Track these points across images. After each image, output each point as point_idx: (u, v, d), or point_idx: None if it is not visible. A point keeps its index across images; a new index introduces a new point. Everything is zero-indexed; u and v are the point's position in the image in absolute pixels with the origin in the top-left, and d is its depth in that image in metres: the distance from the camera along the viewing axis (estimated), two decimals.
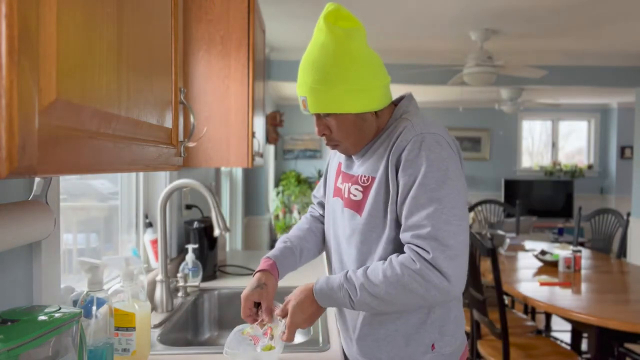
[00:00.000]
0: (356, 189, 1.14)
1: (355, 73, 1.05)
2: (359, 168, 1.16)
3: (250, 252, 2.85)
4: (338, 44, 1.04)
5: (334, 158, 1.31)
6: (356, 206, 1.13)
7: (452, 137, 1.10)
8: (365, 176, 1.13)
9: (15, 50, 0.41)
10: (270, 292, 1.18)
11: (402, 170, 1.04)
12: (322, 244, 1.37)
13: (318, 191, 1.41)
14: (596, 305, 2.32)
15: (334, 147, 1.15)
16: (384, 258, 1.09)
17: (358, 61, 1.05)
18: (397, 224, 1.08)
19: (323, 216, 1.38)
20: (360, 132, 1.12)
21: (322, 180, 1.39)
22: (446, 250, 0.99)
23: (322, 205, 1.40)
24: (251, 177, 4.87)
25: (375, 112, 1.12)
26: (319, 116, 1.11)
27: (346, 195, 1.17)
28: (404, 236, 1.05)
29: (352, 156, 1.20)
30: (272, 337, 1.13)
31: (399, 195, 1.05)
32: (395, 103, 1.18)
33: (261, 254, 2.84)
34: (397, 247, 1.08)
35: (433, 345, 1.12)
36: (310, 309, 1.10)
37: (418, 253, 1.00)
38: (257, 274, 1.21)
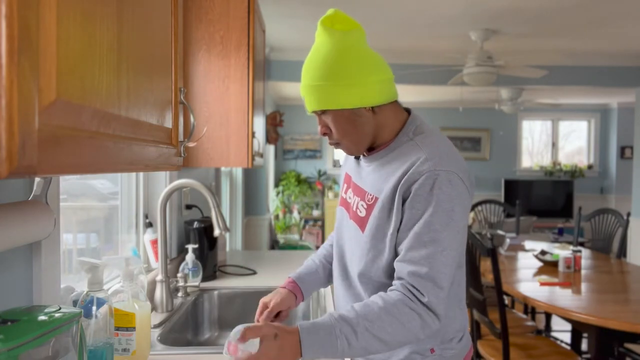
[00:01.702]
0: (362, 206, 1.14)
1: (346, 68, 1.04)
2: (366, 180, 1.16)
3: (250, 252, 2.85)
4: (332, 44, 1.05)
5: (343, 168, 1.33)
6: (360, 222, 1.14)
7: (465, 170, 1.07)
8: (370, 194, 1.13)
9: (15, 50, 0.41)
10: (280, 303, 1.24)
11: (409, 203, 1.03)
12: None
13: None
14: (596, 305, 2.32)
15: (336, 146, 1.15)
16: (381, 279, 1.10)
17: (349, 57, 1.05)
18: (396, 251, 1.08)
19: None
20: (357, 129, 1.10)
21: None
22: (440, 293, 1.01)
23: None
24: (251, 177, 4.87)
25: (373, 109, 1.09)
26: (318, 115, 1.12)
27: (354, 209, 1.18)
28: (400, 268, 1.04)
29: (361, 162, 1.20)
30: None
31: (402, 225, 1.05)
32: (408, 111, 1.18)
33: (261, 254, 2.85)
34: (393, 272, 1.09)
35: (432, 349, 1.12)
36: (285, 352, 0.93)
37: (415, 295, 1.01)
38: (280, 288, 1.30)
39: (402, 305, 0.99)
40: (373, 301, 1.01)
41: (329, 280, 1.35)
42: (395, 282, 1.05)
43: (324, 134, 1.13)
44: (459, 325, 1.17)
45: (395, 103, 1.15)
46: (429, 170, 1.02)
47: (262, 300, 1.26)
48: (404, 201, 1.05)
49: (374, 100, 1.08)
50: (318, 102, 1.07)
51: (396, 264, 1.06)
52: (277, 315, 1.26)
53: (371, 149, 1.17)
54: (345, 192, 1.24)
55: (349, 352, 0.96)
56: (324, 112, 1.09)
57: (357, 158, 1.22)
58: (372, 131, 1.12)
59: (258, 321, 1.23)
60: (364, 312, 0.98)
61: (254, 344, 0.92)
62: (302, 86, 1.09)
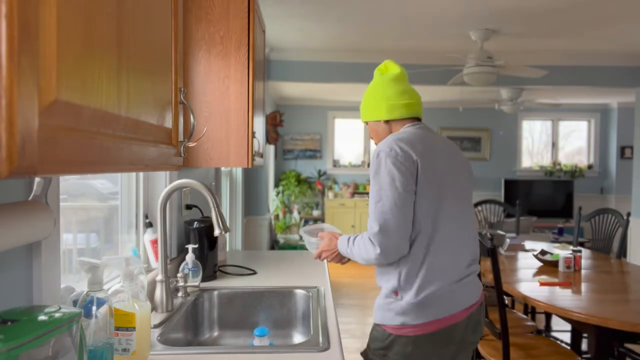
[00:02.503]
0: None
1: (369, 96, 1.70)
2: None
3: (250, 252, 2.85)
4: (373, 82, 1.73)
5: None
6: None
7: (401, 140, 1.53)
8: None
9: (15, 50, 0.41)
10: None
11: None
12: None
13: None
14: (596, 305, 2.32)
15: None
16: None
17: (374, 89, 1.69)
18: None
19: None
20: (377, 135, 1.70)
21: None
22: (375, 228, 1.48)
23: None
24: (251, 177, 4.87)
25: (387, 122, 1.67)
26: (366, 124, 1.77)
27: None
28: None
29: None
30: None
31: None
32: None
33: (261, 254, 2.85)
34: None
35: (396, 292, 1.53)
36: (332, 249, 1.72)
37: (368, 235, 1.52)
38: None
39: (362, 235, 1.55)
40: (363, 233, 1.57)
41: None
42: None
43: (372, 137, 1.75)
44: (420, 284, 1.50)
45: (407, 119, 1.66)
46: (377, 150, 1.53)
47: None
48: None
49: (384, 116, 1.66)
50: (361, 116, 1.75)
51: None
52: None
53: None
54: None
55: (347, 252, 1.62)
56: (365, 122, 1.74)
57: None
58: (386, 135, 1.67)
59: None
60: (356, 235, 1.61)
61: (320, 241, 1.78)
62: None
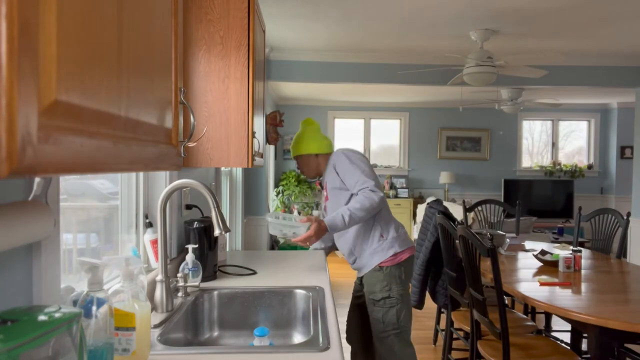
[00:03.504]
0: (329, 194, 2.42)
1: (306, 140, 2.45)
2: (327, 189, 2.42)
3: (250, 252, 2.85)
4: (303, 131, 2.50)
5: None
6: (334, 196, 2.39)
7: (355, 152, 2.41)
8: (330, 188, 2.39)
9: (15, 50, 0.41)
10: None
11: (339, 174, 2.32)
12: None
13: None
14: (596, 305, 2.32)
15: (302, 173, 2.55)
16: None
17: (307, 136, 2.46)
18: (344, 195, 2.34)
19: None
20: (308, 165, 2.46)
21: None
22: (370, 185, 2.21)
23: None
24: (251, 177, 4.87)
25: (316, 155, 2.44)
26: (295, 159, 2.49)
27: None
28: (354, 192, 2.25)
29: (322, 188, 2.52)
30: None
31: (341, 179, 2.31)
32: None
33: (261, 254, 2.85)
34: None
35: (382, 235, 2.33)
36: (321, 234, 2.15)
37: (362, 192, 2.20)
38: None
39: (358, 196, 2.20)
40: (350, 202, 2.26)
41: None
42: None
43: (298, 169, 2.50)
44: (386, 226, 2.35)
45: (329, 153, 2.46)
46: (336, 155, 2.35)
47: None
48: (337, 173, 2.32)
49: (316, 151, 2.43)
50: (293, 151, 2.49)
51: (353, 194, 2.27)
52: None
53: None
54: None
55: (349, 223, 2.17)
56: (296, 156, 2.48)
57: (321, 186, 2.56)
58: (315, 167, 2.46)
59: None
60: (347, 206, 2.21)
61: (306, 226, 2.15)
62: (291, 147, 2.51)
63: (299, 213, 7.50)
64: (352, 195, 2.27)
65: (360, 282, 2.45)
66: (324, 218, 2.31)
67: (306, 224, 2.15)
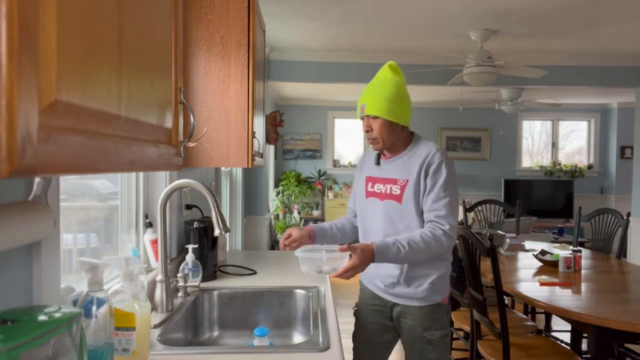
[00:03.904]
0: (395, 188, 1.78)
1: (403, 101, 1.75)
2: (392, 172, 1.81)
3: (250, 252, 2.85)
4: (397, 83, 1.75)
5: (360, 175, 1.95)
6: (397, 197, 1.77)
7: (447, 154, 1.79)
8: (402, 179, 1.77)
9: (15, 50, 0.41)
10: (299, 237, 1.81)
11: (430, 178, 1.72)
12: (353, 233, 2.02)
13: (351, 203, 2.06)
14: (596, 305, 2.32)
15: (372, 141, 1.77)
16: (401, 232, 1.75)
17: (405, 95, 1.77)
18: (421, 212, 1.75)
19: (355, 217, 2.01)
20: (391, 134, 1.75)
21: (352, 195, 2.05)
22: (453, 223, 1.70)
23: (353, 211, 2.04)
24: (251, 177, 4.87)
25: (402, 127, 1.77)
26: (368, 118, 1.74)
27: (387, 192, 1.80)
28: (428, 215, 1.72)
29: (382, 164, 1.85)
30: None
31: (426, 191, 1.72)
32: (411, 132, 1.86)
33: (261, 254, 2.85)
34: (419, 225, 1.74)
35: (445, 269, 1.82)
36: (369, 262, 1.61)
37: (438, 226, 1.69)
38: (304, 227, 1.88)
39: (428, 233, 1.67)
40: (416, 232, 1.69)
41: (333, 241, 1.93)
42: (426, 224, 1.72)
43: (366, 131, 1.76)
44: (448, 260, 1.85)
45: (408, 128, 1.82)
46: (439, 157, 1.73)
47: (289, 230, 1.84)
48: (425, 176, 1.73)
49: (406, 123, 1.78)
50: (380, 111, 1.71)
51: (425, 215, 1.73)
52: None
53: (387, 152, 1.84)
54: (372, 187, 1.85)
55: (403, 259, 1.65)
56: (375, 117, 1.73)
57: (377, 163, 1.86)
58: (395, 139, 1.78)
59: (284, 243, 1.82)
60: (410, 237, 1.67)
61: (344, 256, 1.58)
62: (368, 97, 1.74)
63: (299, 213, 7.50)
64: (417, 212, 1.74)
65: (391, 310, 1.86)
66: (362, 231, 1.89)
67: (346, 253, 1.59)
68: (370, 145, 1.83)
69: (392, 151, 1.82)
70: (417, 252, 1.65)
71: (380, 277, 1.83)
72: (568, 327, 3.41)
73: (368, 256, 1.59)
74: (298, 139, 7.91)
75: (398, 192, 1.77)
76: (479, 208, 4.85)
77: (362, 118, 1.77)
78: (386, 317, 1.88)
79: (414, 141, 1.82)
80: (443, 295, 1.81)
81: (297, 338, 1.83)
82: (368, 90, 1.76)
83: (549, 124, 8.24)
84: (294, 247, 1.79)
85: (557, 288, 2.59)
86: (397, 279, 1.78)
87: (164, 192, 1.63)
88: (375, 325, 1.90)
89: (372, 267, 1.73)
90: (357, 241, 1.87)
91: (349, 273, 1.57)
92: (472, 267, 2.52)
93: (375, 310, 1.90)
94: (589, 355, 2.39)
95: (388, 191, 1.80)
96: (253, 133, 1.90)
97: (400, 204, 1.76)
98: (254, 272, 2.18)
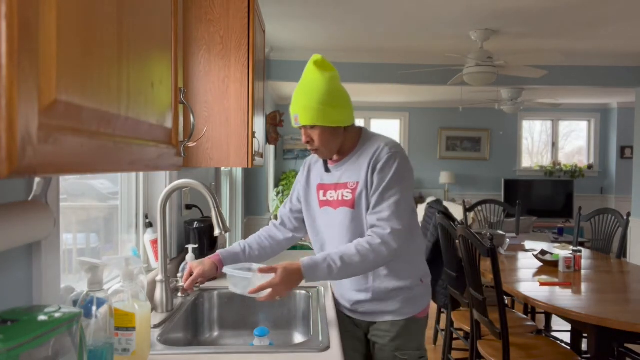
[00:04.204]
0: (347, 193, 1.60)
1: (336, 100, 1.53)
2: (342, 177, 1.62)
3: None
4: (325, 81, 1.52)
5: (310, 185, 1.74)
6: (349, 203, 1.60)
7: (404, 151, 1.60)
8: (352, 182, 1.60)
9: (15, 50, 0.41)
10: (202, 273, 1.60)
11: (377, 174, 1.53)
12: (279, 245, 1.83)
13: (283, 211, 1.84)
14: (596, 305, 2.32)
15: (315, 151, 1.60)
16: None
17: (338, 92, 1.54)
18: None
19: (284, 226, 1.84)
20: (334, 141, 1.57)
21: (287, 202, 1.84)
22: (397, 227, 1.50)
23: (283, 219, 1.84)
24: (251, 177, 4.87)
25: (345, 128, 1.59)
26: (305, 128, 1.55)
27: (339, 199, 1.62)
28: (371, 218, 1.53)
29: (330, 169, 1.66)
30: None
31: (372, 189, 1.54)
32: (357, 130, 1.65)
33: None
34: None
35: (422, 280, 1.68)
36: (296, 282, 1.43)
37: (377, 232, 1.50)
38: (206, 259, 1.66)
39: (365, 244, 1.47)
40: (350, 245, 1.50)
41: (248, 260, 1.72)
42: (367, 231, 1.54)
43: (307, 142, 1.57)
44: (425, 269, 1.72)
45: (354, 125, 1.63)
46: (387, 152, 1.54)
47: (190, 264, 1.63)
48: (372, 174, 1.54)
49: (347, 123, 1.58)
50: (312, 119, 1.52)
51: (367, 218, 1.55)
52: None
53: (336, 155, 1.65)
54: (325, 195, 1.67)
55: (336, 275, 1.46)
56: (312, 127, 1.54)
57: (327, 170, 1.67)
58: (340, 142, 1.60)
59: (186, 286, 1.59)
60: (344, 250, 1.48)
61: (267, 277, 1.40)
62: (298, 107, 1.54)
63: None
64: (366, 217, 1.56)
65: (366, 328, 1.72)
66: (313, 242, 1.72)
67: (268, 275, 1.41)
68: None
69: (339, 153, 1.63)
70: (353, 267, 1.46)
71: (346, 299, 1.70)
72: (568, 327, 3.41)
73: (292, 274, 1.41)
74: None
75: (350, 197, 1.58)
76: (479, 208, 4.85)
77: (300, 128, 1.57)
78: (359, 339, 1.74)
79: (362, 139, 1.62)
80: (420, 308, 1.64)
81: (297, 338, 1.83)
82: (297, 96, 1.54)
83: (549, 124, 8.24)
84: (201, 282, 1.62)
85: (557, 288, 2.59)
86: (368, 292, 1.63)
87: (164, 192, 1.63)
88: (350, 352, 1.71)
89: (337, 289, 1.73)
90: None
91: (267, 294, 1.39)
92: (472, 267, 2.52)
93: (347, 332, 1.70)
94: (589, 355, 2.39)
95: (340, 197, 1.61)
96: (253, 133, 1.90)
97: (353, 210, 1.58)
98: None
